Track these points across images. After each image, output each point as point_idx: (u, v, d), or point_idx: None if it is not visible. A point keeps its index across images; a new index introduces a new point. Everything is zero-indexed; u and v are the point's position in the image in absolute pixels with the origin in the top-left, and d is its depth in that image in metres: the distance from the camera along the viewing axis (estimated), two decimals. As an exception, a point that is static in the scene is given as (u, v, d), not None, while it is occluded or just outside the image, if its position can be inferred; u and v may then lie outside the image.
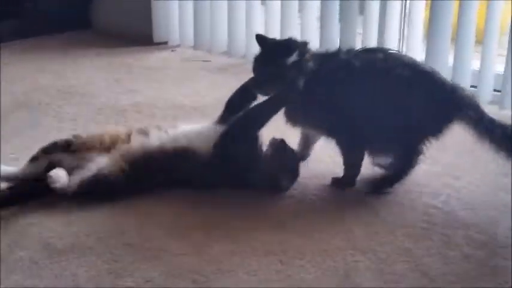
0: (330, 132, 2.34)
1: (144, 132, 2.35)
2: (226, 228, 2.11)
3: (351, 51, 2.32)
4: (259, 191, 2.29)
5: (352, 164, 2.36)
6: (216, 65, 3.85)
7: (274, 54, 2.27)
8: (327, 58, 2.30)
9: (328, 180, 2.40)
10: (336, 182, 2.38)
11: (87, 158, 2.27)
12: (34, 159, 2.33)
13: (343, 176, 2.38)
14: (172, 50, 4.13)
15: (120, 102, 3.22)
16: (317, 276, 1.88)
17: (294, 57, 2.24)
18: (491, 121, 2.24)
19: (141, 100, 3.25)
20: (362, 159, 2.35)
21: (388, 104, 2.23)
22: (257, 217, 2.18)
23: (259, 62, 2.30)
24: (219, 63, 3.87)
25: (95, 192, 2.22)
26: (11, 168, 2.33)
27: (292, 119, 2.34)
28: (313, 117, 2.31)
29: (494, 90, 3.16)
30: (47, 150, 2.34)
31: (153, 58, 3.99)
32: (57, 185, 2.17)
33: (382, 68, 2.24)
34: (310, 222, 2.15)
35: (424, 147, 2.31)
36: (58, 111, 3.09)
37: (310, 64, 2.26)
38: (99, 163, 2.25)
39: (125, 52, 4.08)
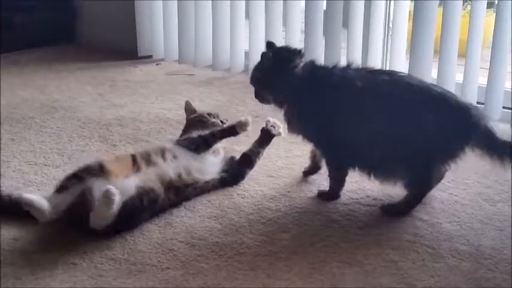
0: (317, 145, 2.36)
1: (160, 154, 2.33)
2: (211, 243, 2.10)
3: (356, 69, 2.30)
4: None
5: (335, 178, 2.37)
6: (200, 78, 3.85)
7: (271, 63, 2.29)
8: (327, 71, 2.30)
9: (314, 193, 2.40)
10: (321, 194, 2.38)
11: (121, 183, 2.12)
12: (62, 188, 2.15)
13: (328, 190, 2.39)
14: (156, 64, 4.13)
15: (104, 116, 3.21)
16: (304, 290, 1.87)
17: (290, 66, 2.27)
18: (503, 143, 2.18)
19: (125, 114, 3.24)
20: (345, 174, 2.35)
21: (393, 128, 2.18)
22: (243, 231, 2.17)
23: (257, 72, 2.34)
24: (203, 76, 3.87)
25: (135, 218, 2.14)
26: (35, 196, 2.11)
27: (291, 127, 2.36)
28: (304, 127, 2.33)
29: (478, 102, 3.18)
30: (78, 176, 2.15)
31: (138, 72, 3.99)
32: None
33: (384, 90, 2.20)
34: (296, 236, 2.15)
35: (445, 171, 2.28)
36: (42, 125, 3.08)
37: (307, 74, 2.28)
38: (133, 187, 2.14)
39: (109, 66, 4.07)
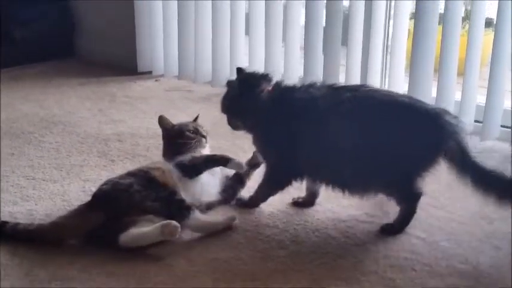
0: (268, 162, 2.39)
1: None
2: (209, 259, 2.10)
3: (319, 88, 2.32)
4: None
5: (262, 192, 2.41)
6: (199, 94, 3.86)
7: (239, 91, 2.34)
8: (290, 92, 2.33)
9: (312, 210, 2.40)
10: (240, 202, 2.43)
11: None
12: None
13: (249, 198, 2.43)
14: (156, 80, 4.14)
15: (103, 131, 3.22)
16: (301, 307, 1.87)
17: (257, 92, 2.31)
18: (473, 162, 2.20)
19: (124, 129, 3.24)
20: (273, 194, 2.40)
21: (361, 144, 2.18)
22: (241, 248, 2.17)
23: (226, 101, 2.40)
24: (203, 93, 3.88)
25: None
26: None
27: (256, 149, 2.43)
28: (262, 145, 2.38)
29: (476, 121, 3.18)
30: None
31: (137, 87, 4.00)
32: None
33: (348, 107, 2.20)
34: (293, 252, 2.15)
35: (421, 184, 2.26)
36: (40, 140, 3.08)
37: (272, 95, 2.32)
38: None
39: (109, 81, 4.08)
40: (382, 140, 2.17)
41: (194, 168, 2.36)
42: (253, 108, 2.33)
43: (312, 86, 2.32)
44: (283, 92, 2.35)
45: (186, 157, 2.41)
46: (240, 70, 2.44)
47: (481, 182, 2.16)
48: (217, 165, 2.40)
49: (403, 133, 2.17)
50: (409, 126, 2.18)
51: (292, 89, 2.35)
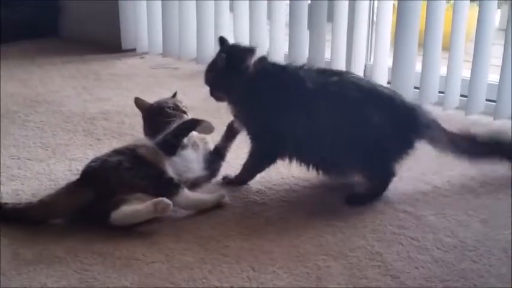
0: (254, 138, 2.38)
1: None
2: (197, 236, 2.10)
3: (307, 70, 2.34)
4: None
5: (253, 171, 2.42)
6: (184, 72, 3.84)
7: (222, 62, 2.34)
8: (275, 68, 2.36)
9: (299, 186, 2.41)
10: (227, 180, 2.44)
11: None
12: None
13: (235, 177, 2.43)
14: (140, 57, 4.11)
15: (88, 110, 3.20)
16: (289, 282, 1.88)
17: (241, 64, 2.32)
18: (453, 136, 2.38)
19: (109, 108, 3.23)
20: (260, 171, 2.42)
21: (340, 126, 2.25)
22: (229, 224, 2.18)
23: (210, 72, 2.40)
24: (188, 70, 3.86)
25: None
26: None
27: (237, 122, 2.43)
28: (248, 120, 2.38)
29: (461, 95, 3.19)
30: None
31: (122, 65, 3.97)
32: None
33: (332, 90, 2.26)
34: (281, 229, 2.15)
35: (396, 168, 2.33)
36: (25, 120, 3.06)
37: (257, 71, 2.33)
38: None
39: (93, 59, 4.05)
40: (360, 124, 2.24)
41: (170, 144, 2.32)
42: (238, 82, 2.32)
43: (298, 66, 2.35)
44: (269, 68, 2.36)
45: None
46: (222, 40, 2.44)
47: (476, 151, 2.38)
48: (188, 131, 2.36)
49: (381, 120, 2.24)
50: (387, 114, 2.26)
51: (277, 66, 2.37)
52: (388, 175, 2.33)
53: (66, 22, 4.53)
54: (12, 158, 2.63)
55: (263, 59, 2.38)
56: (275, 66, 2.38)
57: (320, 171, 2.35)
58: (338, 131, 2.25)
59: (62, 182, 2.35)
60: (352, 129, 2.24)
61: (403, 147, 2.31)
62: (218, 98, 2.41)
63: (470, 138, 2.41)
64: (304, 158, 2.34)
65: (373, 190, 2.33)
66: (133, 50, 4.19)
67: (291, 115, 2.28)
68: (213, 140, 2.51)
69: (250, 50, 2.37)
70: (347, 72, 2.52)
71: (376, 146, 2.25)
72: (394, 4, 3.39)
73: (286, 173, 2.49)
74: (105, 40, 4.24)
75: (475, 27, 3.05)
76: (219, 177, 2.47)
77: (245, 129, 2.40)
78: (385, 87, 2.42)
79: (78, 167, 2.46)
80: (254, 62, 2.35)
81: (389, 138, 2.26)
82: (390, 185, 2.36)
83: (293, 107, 2.28)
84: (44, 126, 2.99)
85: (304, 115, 2.27)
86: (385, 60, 3.37)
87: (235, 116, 2.41)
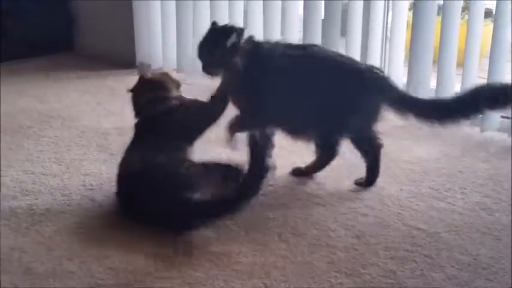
0: (238, 100, 2.53)
1: None
2: (208, 252, 2.10)
3: (284, 45, 2.57)
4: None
5: (234, 128, 2.52)
6: (198, 87, 3.84)
7: (215, 38, 2.52)
8: (259, 46, 2.53)
9: (312, 203, 2.40)
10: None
11: None
12: None
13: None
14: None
15: (102, 125, 3.21)
16: (301, 299, 1.87)
17: (232, 40, 2.45)
18: (410, 98, 2.53)
19: (123, 123, 3.23)
20: (243, 132, 2.49)
21: (301, 90, 2.44)
22: (240, 240, 2.17)
23: (203, 47, 2.55)
24: (201, 85, 3.86)
25: None
26: None
27: (232, 97, 2.55)
28: (244, 93, 2.52)
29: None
30: None
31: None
32: None
33: (297, 60, 2.48)
34: (293, 245, 2.15)
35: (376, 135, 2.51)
36: (39, 135, 3.07)
37: (246, 47, 2.48)
38: None
39: (108, 75, 4.07)
40: (326, 91, 2.44)
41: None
42: (228, 58, 2.46)
43: (276, 43, 2.57)
44: (255, 46, 2.51)
45: None
46: (214, 23, 2.62)
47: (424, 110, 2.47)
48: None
49: (343, 85, 2.44)
50: (337, 79, 2.45)
51: (261, 45, 2.54)
52: (371, 145, 2.52)
53: (82, 38, 4.56)
54: (27, 173, 2.64)
55: (250, 38, 2.53)
56: (258, 44, 2.54)
57: (290, 134, 2.52)
58: (300, 95, 2.45)
59: (76, 197, 2.36)
60: (308, 94, 2.44)
61: (352, 108, 2.45)
62: (209, 73, 2.55)
63: (433, 103, 2.57)
64: (279, 121, 2.52)
65: (370, 167, 2.53)
66: (148, 65, 4.20)
67: (268, 84, 2.45)
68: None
69: (237, 29, 2.50)
70: (312, 45, 2.69)
71: (327, 107, 2.44)
72: (408, 21, 3.38)
73: (300, 189, 2.49)
74: (120, 56, 4.26)
75: (490, 43, 3.05)
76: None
77: (234, 97, 2.53)
78: (342, 56, 2.61)
79: (92, 182, 2.47)
80: (245, 41, 2.49)
81: (338, 100, 2.44)
82: (404, 201, 2.35)
83: (269, 77, 2.46)
84: (59, 141, 3.00)
85: (276, 84, 2.45)
86: (399, 76, 3.36)
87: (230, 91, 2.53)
